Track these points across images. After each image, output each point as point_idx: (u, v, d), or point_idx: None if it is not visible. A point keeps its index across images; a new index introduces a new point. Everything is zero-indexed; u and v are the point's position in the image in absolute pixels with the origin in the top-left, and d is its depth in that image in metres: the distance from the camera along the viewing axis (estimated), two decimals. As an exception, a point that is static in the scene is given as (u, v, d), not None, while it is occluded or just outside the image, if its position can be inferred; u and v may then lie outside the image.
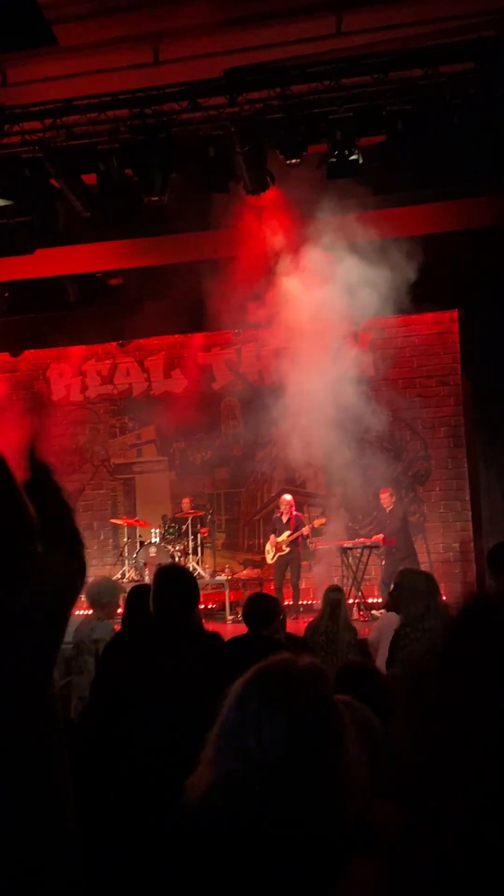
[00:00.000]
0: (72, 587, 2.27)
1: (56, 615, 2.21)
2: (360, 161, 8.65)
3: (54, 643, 2.23)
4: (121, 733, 3.28)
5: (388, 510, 11.36)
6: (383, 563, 11.40)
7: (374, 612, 11.12)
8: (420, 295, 10.53)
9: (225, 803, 1.54)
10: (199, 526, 12.30)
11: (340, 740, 1.57)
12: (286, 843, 1.49)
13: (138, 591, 4.47)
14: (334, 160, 8.65)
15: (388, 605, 5.11)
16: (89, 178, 9.29)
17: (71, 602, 2.26)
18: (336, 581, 11.68)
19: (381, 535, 11.14)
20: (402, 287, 10.51)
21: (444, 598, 11.11)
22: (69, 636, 4.53)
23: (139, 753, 3.20)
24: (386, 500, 11.41)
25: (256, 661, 1.66)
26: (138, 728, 3.24)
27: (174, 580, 3.62)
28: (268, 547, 11.73)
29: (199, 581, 11.71)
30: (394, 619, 7.35)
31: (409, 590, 4.90)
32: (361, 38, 8.29)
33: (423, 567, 11.90)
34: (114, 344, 13.76)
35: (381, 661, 7.14)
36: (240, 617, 11.70)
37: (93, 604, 6.34)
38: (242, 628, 4.78)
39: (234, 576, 12.42)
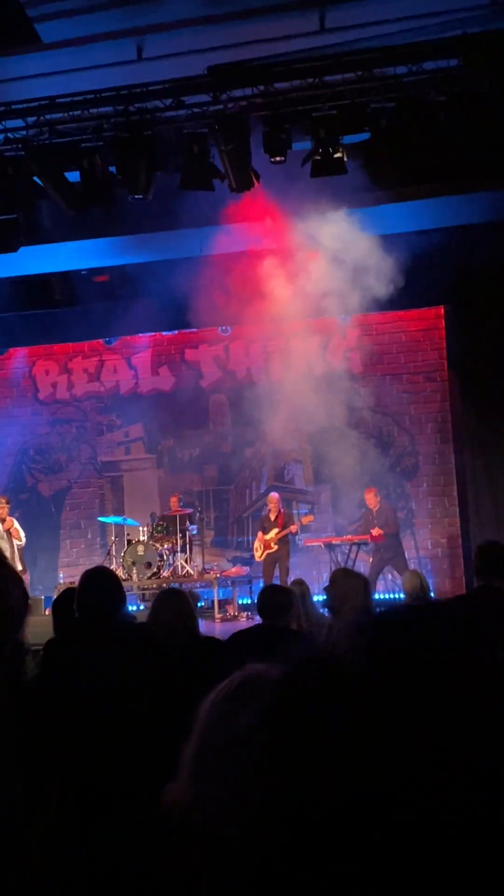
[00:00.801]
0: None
1: None
2: (345, 158, 8.62)
3: None
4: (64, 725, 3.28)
5: (374, 510, 11.36)
6: (371, 559, 11.42)
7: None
8: (406, 291, 10.54)
9: (207, 819, 1.54)
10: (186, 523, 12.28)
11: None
12: (272, 864, 1.48)
13: (65, 597, 4.48)
14: (319, 158, 8.63)
15: (327, 605, 5.08)
16: (73, 176, 9.25)
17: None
18: (325, 577, 11.71)
19: (369, 533, 11.14)
20: (388, 284, 10.51)
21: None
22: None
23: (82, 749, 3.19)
24: (371, 499, 11.40)
25: (265, 649, 1.65)
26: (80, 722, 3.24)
27: (98, 580, 3.69)
28: (256, 544, 11.73)
29: (187, 578, 11.64)
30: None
31: (348, 589, 4.90)
32: (345, 35, 8.27)
33: (411, 563, 11.92)
34: (100, 341, 13.72)
35: None
36: (229, 614, 11.74)
37: None
38: (231, 626, 4.82)
39: (223, 573, 12.41)
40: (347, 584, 4.90)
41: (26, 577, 10.92)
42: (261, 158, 8.82)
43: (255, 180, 8.96)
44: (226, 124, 8.63)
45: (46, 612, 10.35)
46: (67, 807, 3.26)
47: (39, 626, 6.58)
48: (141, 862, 2.16)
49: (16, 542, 11.08)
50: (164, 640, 3.81)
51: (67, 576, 12.64)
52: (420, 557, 12.39)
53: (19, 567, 11.11)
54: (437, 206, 10.10)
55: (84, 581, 3.73)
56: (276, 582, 11.29)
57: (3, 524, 11.05)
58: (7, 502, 11.28)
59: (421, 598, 7.87)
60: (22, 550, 11.22)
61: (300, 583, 6.85)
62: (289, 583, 11.55)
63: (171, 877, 1.55)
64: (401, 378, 12.91)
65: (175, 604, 3.94)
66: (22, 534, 11.12)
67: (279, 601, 4.74)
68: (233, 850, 1.54)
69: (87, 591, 3.64)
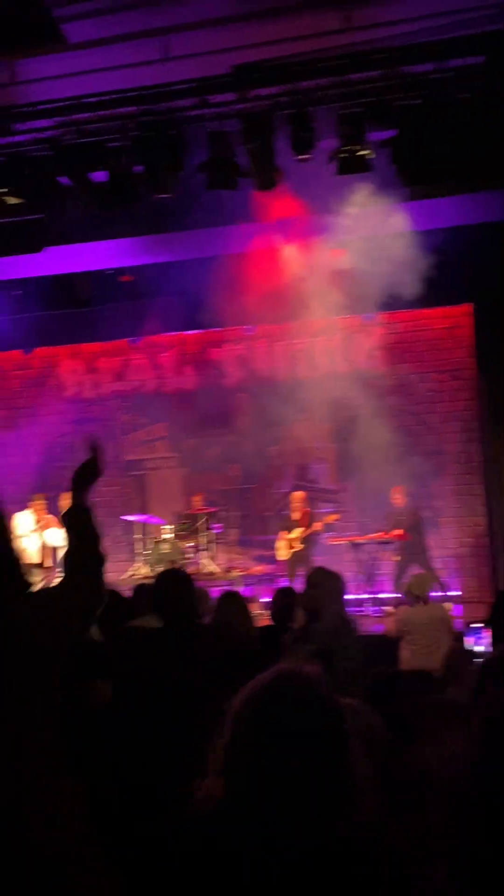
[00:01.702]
0: (80, 607, 2.42)
1: (56, 630, 2.31)
2: (370, 156, 8.60)
3: (53, 654, 2.31)
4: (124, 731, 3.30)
5: (400, 508, 11.33)
6: (396, 559, 11.38)
7: (385, 608, 11.09)
8: (432, 289, 10.50)
9: (237, 815, 1.54)
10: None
11: (347, 749, 1.57)
12: (298, 854, 1.49)
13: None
14: (344, 155, 8.62)
15: (305, 605, 5.05)
16: (98, 176, 9.29)
17: (77, 619, 2.42)
18: (349, 577, 11.68)
19: (395, 532, 11.09)
20: (413, 282, 10.48)
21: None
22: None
23: (138, 750, 3.21)
24: (399, 498, 11.37)
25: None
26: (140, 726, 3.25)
27: (175, 582, 3.69)
28: (280, 543, 11.73)
29: (211, 577, 11.68)
30: (418, 612, 7.35)
31: (328, 590, 4.88)
32: (370, 33, 8.26)
33: (436, 562, 11.89)
34: (125, 341, 13.76)
35: (405, 654, 7.13)
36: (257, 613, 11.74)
37: None
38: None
39: (247, 572, 12.42)
40: (327, 587, 4.88)
41: (53, 574, 10.97)
42: (285, 156, 8.81)
43: (279, 178, 8.95)
44: (251, 123, 8.63)
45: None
46: (101, 800, 3.28)
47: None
48: (174, 856, 2.17)
49: (50, 540, 11.03)
50: (229, 640, 3.86)
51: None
52: (445, 557, 12.33)
53: (49, 564, 11.16)
54: (464, 203, 10.06)
55: (161, 581, 3.73)
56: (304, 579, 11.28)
57: (38, 523, 11.07)
58: (44, 499, 11.34)
59: (419, 599, 7.68)
60: (55, 550, 11.16)
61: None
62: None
63: (205, 870, 1.56)
64: (426, 376, 12.85)
65: (239, 605, 3.99)
66: (60, 535, 10.99)
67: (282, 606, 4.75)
68: (263, 843, 1.54)
69: (164, 590, 3.64)
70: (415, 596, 7.51)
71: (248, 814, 1.54)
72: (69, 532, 2.63)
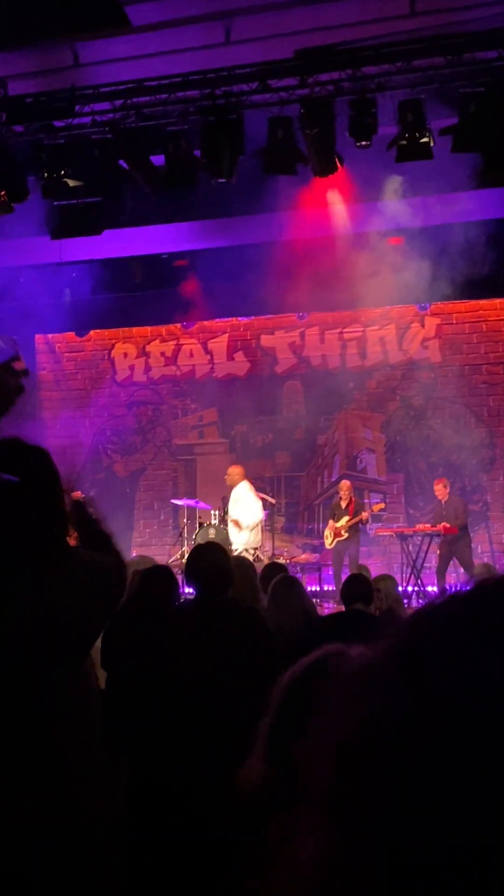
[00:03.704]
0: (109, 576, 2.40)
1: (100, 594, 2.33)
2: (432, 144, 8.51)
3: (92, 621, 2.33)
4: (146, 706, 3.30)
5: (443, 501, 11.19)
6: (438, 552, 11.22)
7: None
8: (488, 280, 10.37)
9: (278, 800, 1.54)
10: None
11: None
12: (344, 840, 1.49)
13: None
14: (405, 143, 8.54)
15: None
16: (157, 160, 9.32)
17: (116, 585, 2.43)
18: (395, 568, 11.63)
19: (442, 524, 10.95)
20: (470, 272, 10.36)
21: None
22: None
23: (167, 726, 3.21)
24: (440, 490, 11.23)
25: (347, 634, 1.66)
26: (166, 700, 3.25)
27: (210, 554, 3.67)
28: (326, 532, 11.70)
29: (257, 563, 11.69)
30: None
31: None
32: (434, 19, 8.16)
33: (484, 556, 11.77)
34: (178, 325, 13.82)
35: None
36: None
37: None
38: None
39: (292, 560, 12.42)
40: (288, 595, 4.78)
41: None
42: (344, 142, 8.75)
43: (339, 165, 8.89)
44: (312, 108, 8.58)
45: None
46: (141, 779, 3.31)
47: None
48: (216, 837, 2.18)
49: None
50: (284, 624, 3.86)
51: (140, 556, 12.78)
52: (494, 552, 12.21)
53: None
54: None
55: (194, 555, 3.72)
56: (349, 569, 11.26)
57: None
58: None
59: None
60: None
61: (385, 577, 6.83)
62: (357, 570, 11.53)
63: (247, 852, 1.57)
64: (480, 368, 12.70)
65: (296, 589, 4.00)
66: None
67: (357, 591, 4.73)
68: (305, 827, 1.55)
69: (197, 565, 3.62)
70: None
71: (290, 796, 1.54)
72: (79, 533, 2.65)
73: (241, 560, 4.79)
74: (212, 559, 3.57)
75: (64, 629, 2.15)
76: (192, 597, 3.70)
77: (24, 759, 2.06)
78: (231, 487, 11.06)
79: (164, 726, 3.21)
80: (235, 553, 9.90)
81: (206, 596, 3.51)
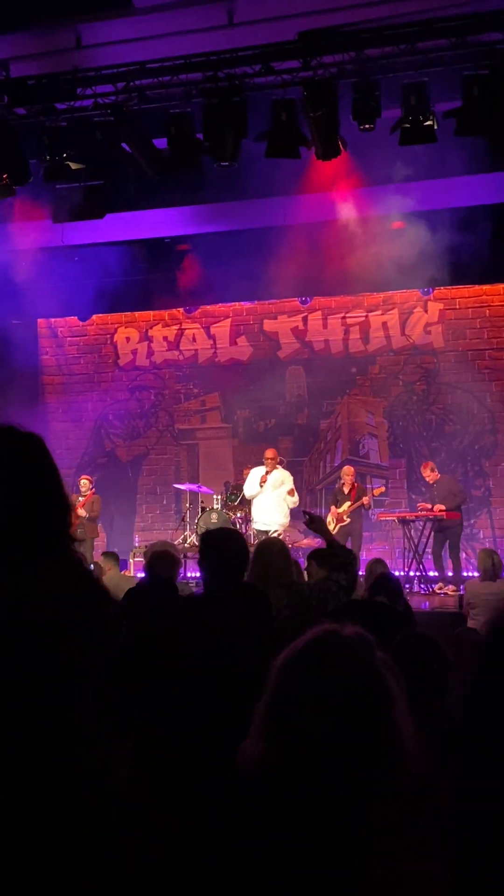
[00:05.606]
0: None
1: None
2: (435, 127, 8.46)
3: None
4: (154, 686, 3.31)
5: (433, 484, 11.15)
6: (434, 534, 11.15)
7: (434, 586, 11.00)
8: (492, 265, 10.34)
9: (279, 776, 1.55)
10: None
11: (392, 707, 1.56)
12: (343, 816, 1.50)
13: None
14: (408, 126, 8.49)
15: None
16: (160, 143, 9.28)
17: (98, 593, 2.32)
18: (397, 553, 11.65)
19: (438, 508, 10.91)
20: (474, 257, 10.32)
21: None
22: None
23: (173, 709, 3.22)
24: (429, 475, 11.21)
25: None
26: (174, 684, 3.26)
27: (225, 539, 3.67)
28: (329, 517, 11.71)
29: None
30: (486, 587, 7.49)
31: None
32: (438, 1, 8.10)
33: (486, 542, 11.79)
34: (181, 310, 13.80)
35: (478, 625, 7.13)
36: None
37: None
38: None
39: (295, 544, 12.43)
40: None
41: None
42: (347, 125, 8.70)
43: (342, 148, 8.85)
44: (315, 91, 8.52)
45: (125, 573, 10.56)
46: (144, 757, 3.32)
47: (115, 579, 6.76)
48: (215, 816, 2.19)
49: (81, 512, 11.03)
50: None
51: (142, 540, 12.82)
52: (496, 537, 12.22)
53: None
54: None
55: (208, 538, 3.72)
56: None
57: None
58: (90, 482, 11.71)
59: (492, 577, 7.80)
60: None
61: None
62: (361, 557, 11.53)
63: (245, 831, 1.57)
64: (482, 354, 12.67)
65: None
66: (81, 512, 10.97)
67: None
68: (304, 805, 1.56)
69: (213, 548, 3.61)
70: (483, 570, 7.68)
71: (289, 775, 1.55)
72: None
73: (274, 541, 4.75)
74: (230, 544, 3.59)
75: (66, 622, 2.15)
76: (202, 581, 3.71)
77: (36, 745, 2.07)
78: (269, 471, 11.12)
79: (170, 707, 3.22)
80: (274, 534, 10.06)
81: (221, 582, 3.51)
